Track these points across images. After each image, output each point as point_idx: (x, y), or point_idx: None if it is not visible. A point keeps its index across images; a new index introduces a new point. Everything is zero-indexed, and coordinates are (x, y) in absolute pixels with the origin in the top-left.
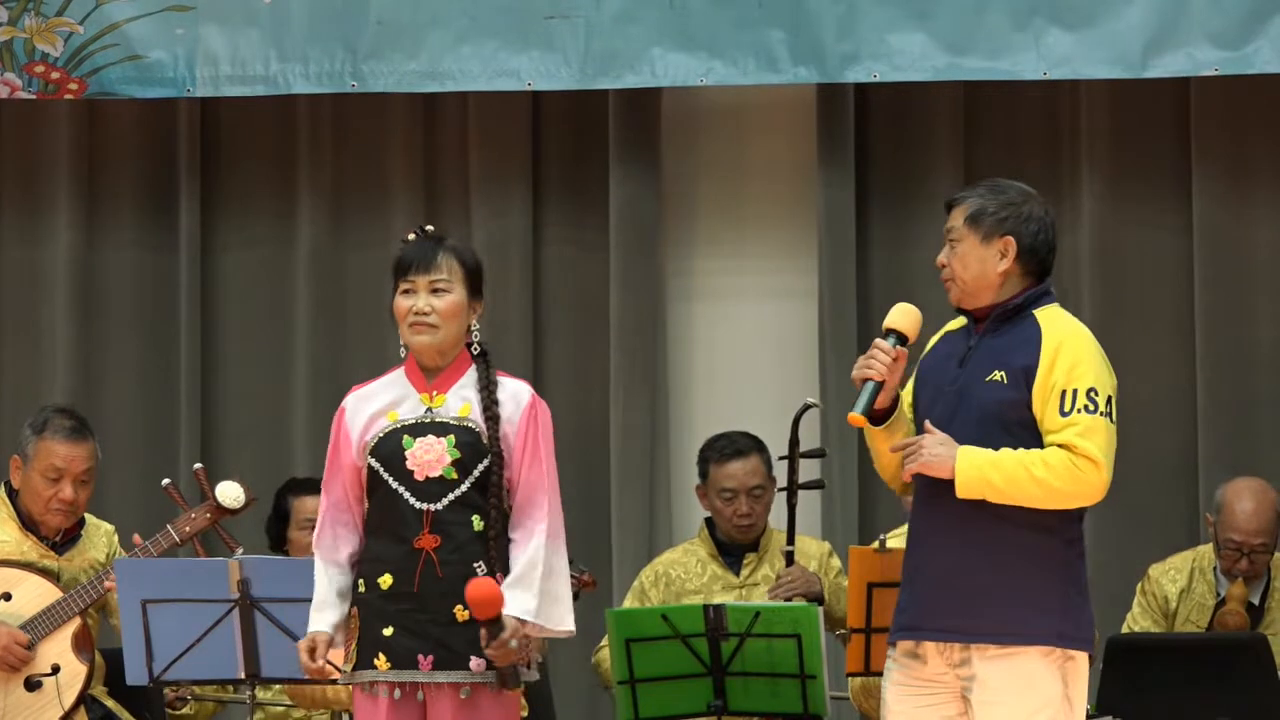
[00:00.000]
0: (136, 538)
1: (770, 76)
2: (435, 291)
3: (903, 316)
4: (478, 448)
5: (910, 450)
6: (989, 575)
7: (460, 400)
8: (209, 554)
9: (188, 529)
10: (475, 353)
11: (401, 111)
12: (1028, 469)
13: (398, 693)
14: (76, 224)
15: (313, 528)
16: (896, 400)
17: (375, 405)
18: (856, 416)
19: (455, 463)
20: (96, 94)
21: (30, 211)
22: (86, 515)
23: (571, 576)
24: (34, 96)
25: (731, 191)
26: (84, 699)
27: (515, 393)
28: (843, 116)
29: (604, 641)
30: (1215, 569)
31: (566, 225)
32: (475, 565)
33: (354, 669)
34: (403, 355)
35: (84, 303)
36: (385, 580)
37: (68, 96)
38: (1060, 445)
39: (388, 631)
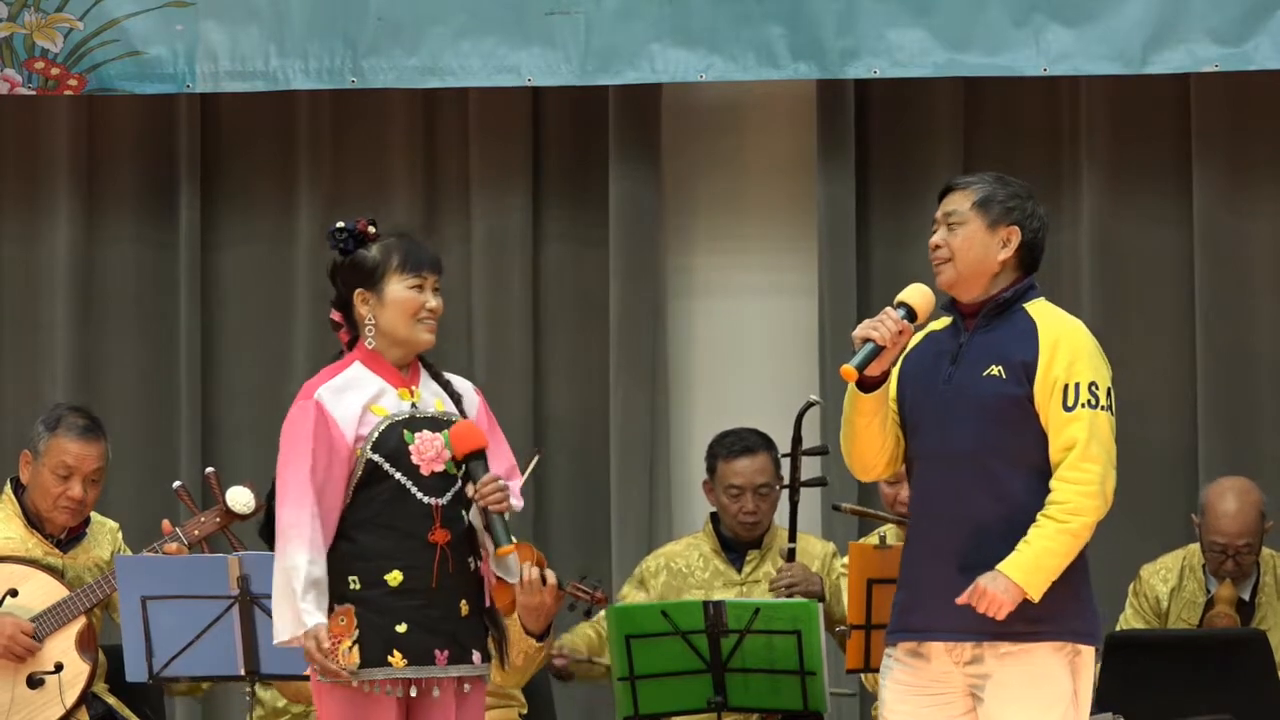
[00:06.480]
0: (166, 524)
1: (770, 72)
2: (436, 291)
3: (917, 294)
4: None
5: (982, 603)
6: None
7: (431, 395)
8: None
9: (196, 533)
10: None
11: (401, 107)
12: (1060, 530)
13: (414, 690)
14: (76, 220)
15: None
16: (886, 375)
17: (356, 399)
18: (850, 369)
19: (454, 457)
20: (96, 90)
21: (30, 208)
22: (92, 513)
23: (584, 592)
24: (34, 92)
25: (731, 187)
26: (85, 697)
27: (465, 387)
28: (843, 112)
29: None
30: (1204, 566)
31: (566, 221)
32: (468, 560)
33: (360, 667)
34: (370, 345)
35: (83, 299)
36: (394, 577)
37: (67, 92)
38: (1067, 445)
39: (401, 628)
